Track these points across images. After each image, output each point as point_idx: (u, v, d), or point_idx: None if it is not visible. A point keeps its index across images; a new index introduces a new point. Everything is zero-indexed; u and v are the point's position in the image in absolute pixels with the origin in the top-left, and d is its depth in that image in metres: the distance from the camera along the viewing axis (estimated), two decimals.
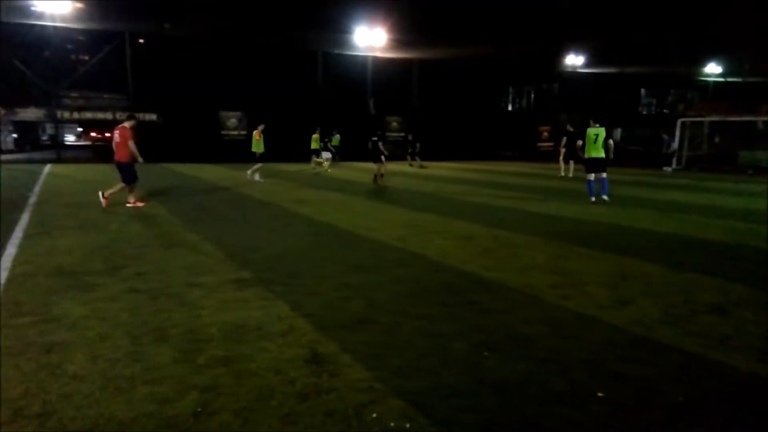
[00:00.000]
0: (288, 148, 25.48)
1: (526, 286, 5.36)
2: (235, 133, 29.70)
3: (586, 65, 36.56)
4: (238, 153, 24.39)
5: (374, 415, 2.88)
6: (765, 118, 24.90)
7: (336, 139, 26.54)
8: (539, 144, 36.57)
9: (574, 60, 35.50)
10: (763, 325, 4.28)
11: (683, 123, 25.14)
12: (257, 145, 17.13)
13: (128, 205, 10.52)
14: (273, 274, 5.74)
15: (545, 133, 37.04)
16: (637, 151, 31.00)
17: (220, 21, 25.19)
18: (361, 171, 22.23)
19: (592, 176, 12.13)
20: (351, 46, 29.97)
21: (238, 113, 29.81)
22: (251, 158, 17.51)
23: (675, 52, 31.92)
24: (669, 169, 23.57)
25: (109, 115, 27.30)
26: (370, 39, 28.77)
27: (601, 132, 11.94)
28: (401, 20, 25.18)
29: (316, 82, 31.45)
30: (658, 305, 4.78)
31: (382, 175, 16.45)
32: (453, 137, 33.20)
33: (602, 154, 11.83)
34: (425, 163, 25.38)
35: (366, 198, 13.00)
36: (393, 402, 3.02)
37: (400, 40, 28.59)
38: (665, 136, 24.56)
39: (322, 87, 31.35)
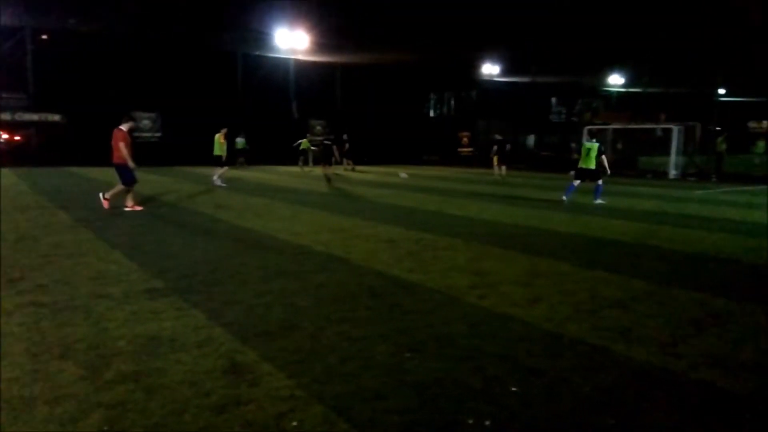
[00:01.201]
0: (207, 151, 24.66)
1: (446, 287, 5.49)
2: (148, 134, 28.28)
3: (502, 74, 38.20)
4: (152, 156, 23.28)
5: (294, 424, 2.83)
6: (662, 126, 27.08)
7: (241, 142, 26.15)
8: (460, 149, 37.75)
9: (491, 69, 36.98)
10: (659, 318, 4.64)
11: (589, 130, 26.83)
12: (220, 148, 16.60)
13: (126, 209, 10.42)
14: (189, 282, 5.51)
15: (465, 139, 38.32)
16: (549, 156, 32.72)
17: (132, 16, 23.87)
18: (284, 174, 21.93)
19: (577, 182, 13.24)
20: (272, 48, 29.46)
21: (152, 114, 28.43)
22: (214, 162, 16.94)
23: (582, 63, 34.10)
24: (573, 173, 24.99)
25: (7, 116, 25.14)
26: (292, 41, 28.41)
27: (594, 147, 12.99)
28: (323, 23, 25.11)
29: (236, 83, 30.67)
30: (568, 302, 5.06)
31: (329, 178, 17.25)
32: (377, 142, 33.53)
33: (593, 166, 12.91)
34: (356, 167, 25.49)
35: (289, 202, 12.82)
36: (314, 408, 2.98)
37: (323, 44, 28.48)
38: (573, 144, 26.07)
39: (242, 89, 30.61)
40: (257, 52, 30.46)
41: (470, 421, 2.90)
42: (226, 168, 16.88)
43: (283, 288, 5.36)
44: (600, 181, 13.09)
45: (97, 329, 4.14)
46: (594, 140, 13.38)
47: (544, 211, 11.71)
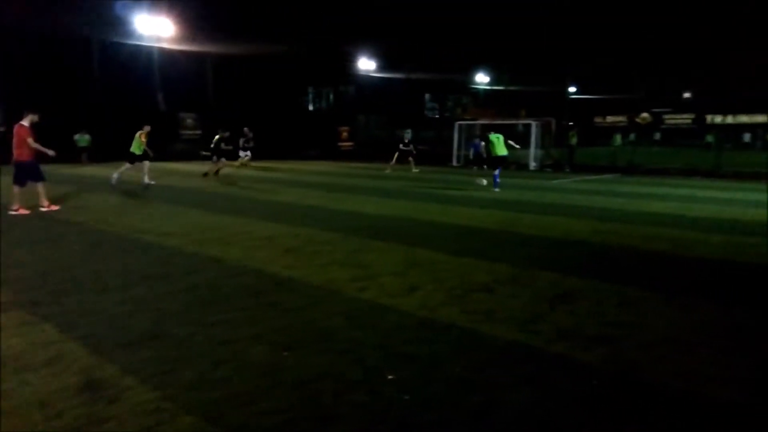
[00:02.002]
0: (62, 147, 22.23)
1: (326, 282, 5.48)
2: None
3: (379, 70, 38.97)
4: None
5: None
6: (523, 122, 29.31)
7: (83, 139, 24.51)
8: (340, 144, 37.88)
9: (368, 64, 37.54)
10: (521, 299, 5.03)
11: (460, 125, 28.39)
12: (138, 146, 15.39)
13: (42, 209, 9.96)
14: (38, 293, 4.93)
15: (345, 134, 38.53)
16: (425, 150, 34.04)
17: None
18: (153, 171, 20.41)
19: (497, 172, 14.77)
20: (133, 35, 27.24)
21: None
22: (132, 160, 15.44)
23: (451, 61, 35.90)
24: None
25: None
26: (155, 28, 26.49)
27: (501, 136, 14.87)
28: (190, 10, 23.72)
29: (92, 72, 27.95)
30: (441, 288, 5.30)
31: (216, 173, 17.46)
32: (255, 136, 32.52)
33: (506, 152, 14.61)
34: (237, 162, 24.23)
35: (158, 201, 11.99)
36: (183, 420, 2.81)
37: (191, 32, 26.91)
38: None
39: (99, 78, 27.96)
40: (116, 39, 27.95)
41: (348, 413, 2.91)
42: (132, 165, 15.57)
43: (148, 293, 4.99)
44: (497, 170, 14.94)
45: None
46: (494, 132, 15.25)
47: (420, 203, 12.15)
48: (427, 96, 50.77)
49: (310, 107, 44.94)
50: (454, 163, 27.52)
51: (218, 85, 33.41)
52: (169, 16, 25.47)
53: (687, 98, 43.35)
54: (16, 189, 9.86)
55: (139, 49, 28.85)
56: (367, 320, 4.38)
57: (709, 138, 36.49)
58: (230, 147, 20.11)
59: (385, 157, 30.78)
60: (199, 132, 31.95)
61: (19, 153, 9.73)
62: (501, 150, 14.82)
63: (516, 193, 14.56)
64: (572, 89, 42.94)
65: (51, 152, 9.98)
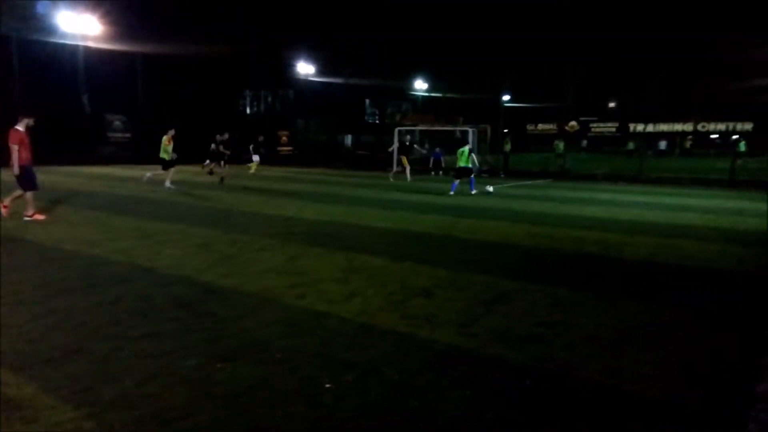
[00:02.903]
0: None
1: (263, 290, 5.35)
2: None
3: (318, 74, 38.74)
4: None
5: None
6: (461, 128, 30.00)
7: None
8: (279, 148, 37.31)
9: (306, 68, 37.26)
10: (458, 302, 5.11)
11: (399, 131, 28.68)
12: (166, 150, 15.84)
13: (26, 218, 9.38)
14: None
15: (284, 138, 37.99)
16: (365, 155, 34.14)
17: None
18: (77, 176, 19.32)
19: (457, 181, 16.05)
20: (56, 33, 25.73)
21: None
22: (165, 166, 15.82)
23: (391, 68, 36.26)
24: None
25: None
26: (80, 26, 25.16)
27: (465, 150, 16.07)
28: (117, 8, 22.70)
29: (12, 71, 26.14)
30: (381, 294, 5.30)
31: (218, 177, 17.98)
32: (189, 139, 31.43)
33: (466, 164, 15.92)
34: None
35: (80, 207, 11.32)
36: None
37: (119, 30, 25.73)
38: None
39: (18, 77, 26.19)
40: (37, 37, 26.28)
41: (282, 425, 2.84)
42: (166, 171, 16.00)
43: (69, 306, 4.68)
44: (473, 176, 16.15)
45: None
46: (466, 145, 16.51)
47: (360, 208, 12.14)
48: (367, 101, 50.96)
49: (247, 110, 44.04)
50: (394, 168, 27.74)
51: (149, 86, 32.08)
52: (95, 14, 24.27)
53: (612, 108, 45.92)
54: (28, 196, 9.53)
55: (63, 47, 27.27)
56: (305, 328, 4.30)
57: (630, 145, 38.82)
58: (228, 150, 19.99)
59: (325, 162, 30.66)
60: (128, 135, 30.55)
61: (21, 158, 9.31)
62: (461, 162, 16.02)
63: (454, 198, 14.84)
64: (506, 98, 44.46)
65: (16, 170, 9.28)
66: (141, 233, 8.37)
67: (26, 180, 9.44)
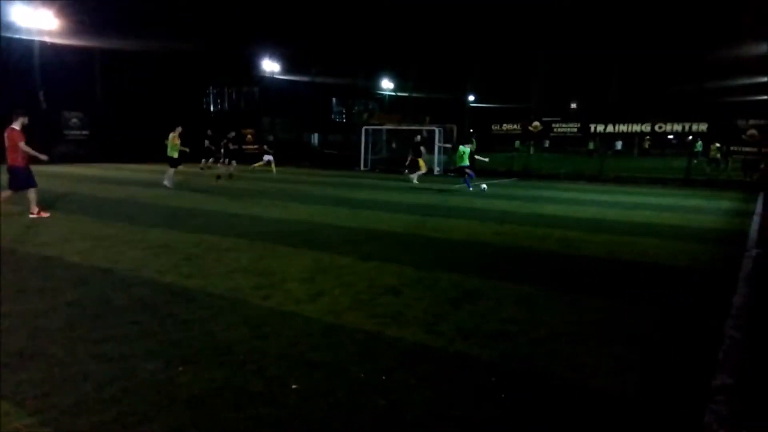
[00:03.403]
0: None
1: (229, 291, 5.26)
2: None
3: (284, 72, 38.36)
4: None
5: None
6: (427, 128, 30.16)
7: None
8: (244, 146, 36.76)
9: (272, 66, 36.83)
10: (425, 300, 5.14)
11: (366, 130, 28.67)
12: (174, 148, 15.85)
13: (31, 215, 9.50)
14: None
15: (249, 136, 37.45)
16: (332, 154, 33.99)
17: None
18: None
19: (469, 178, 17.04)
20: (10, 28, 24.70)
21: None
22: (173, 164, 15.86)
23: (357, 67, 36.23)
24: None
25: None
26: (35, 20, 24.23)
27: (467, 150, 17.24)
28: (74, 3, 21.95)
29: None
30: (348, 293, 5.28)
31: (230, 175, 18.17)
32: (150, 137, 30.64)
33: (467, 163, 17.15)
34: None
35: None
36: None
37: (76, 26, 24.89)
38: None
39: None
40: None
41: (248, 427, 2.80)
42: (174, 170, 15.94)
43: (23, 310, 4.51)
44: (471, 172, 17.16)
45: None
46: (467, 145, 17.57)
47: (327, 207, 12.08)
48: (334, 100, 50.72)
49: (211, 108, 43.25)
50: (362, 167, 27.71)
51: (107, 82, 31.11)
52: (51, 8, 23.41)
53: (573, 109, 46.96)
54: (5, 195, 9.52)
55: (17, 42, 26.18)
56: (271, 329, 4.25)
57: (591, 145, 39.87)
58: (236, 147, 20.25)
59: (293, 160, 30.32)
60: (85, 132, 29.58)
61: (13, 158, 9.31)
62: (462, 161, 17.13)
63: (423, 197, 14.93)
64: (472, 98, 44.95)
65: (44, 156, 9.66)
66: (100, 234, 8.12)
67: (21, 179, 9.45)
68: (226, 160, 19.69)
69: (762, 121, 20.44)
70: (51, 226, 8.80)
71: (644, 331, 4.47)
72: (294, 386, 3.26)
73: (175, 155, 16.01)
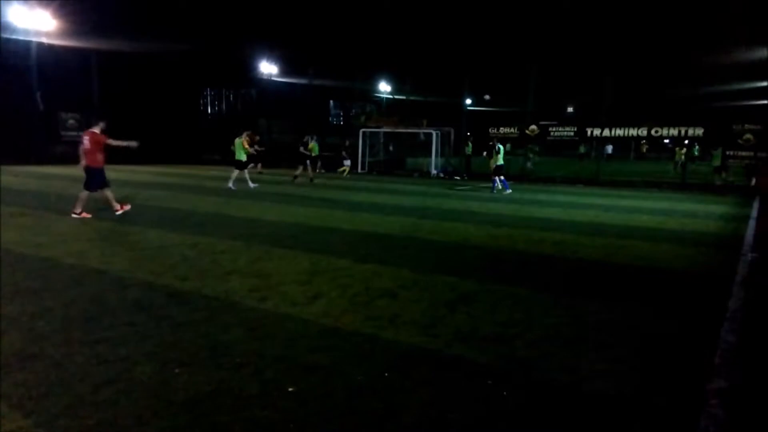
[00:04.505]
0: None
1: (225, 293, 5.25)
2: None
3: (282, 74, 38.35)
4: None
5: None
6: (425, 130, 30.19)
7: None
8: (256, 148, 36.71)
9: (269, 68, 36.83)
10: (422, 303, 5.14)
11: (364, 133, 28.71)
12: (242, 152, 16.43)
13: (117, 213, 10.24)
14: None
15: (257, 137, 37.41)
16: (330, 156, 33.98)
17: None
18: (25, 176, 18.53)
19: (502, 177, 17.75)
20: (7, 29, 24.65)
21: None
22: (235, 165, 16.51)
23: (355, 69, 36.27)
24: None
25: None
26: (32, 21, 24.17)
27: (502, 149, 17.69)
28: (72, 3, 21.92)
29: None
30: (345, 295, 5.28)
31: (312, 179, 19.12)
32: (149, 139, 30.52)
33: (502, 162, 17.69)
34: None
35: (30, 208, 10.87)
36: None
37: (73, 27, 24.85)
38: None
39: None
40: None
41: (245, 430, 2.79)
42: (239, 172, 16.57)
43: (19, 311, 4.49)
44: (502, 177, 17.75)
45: None
46: (500, 145, 17.85)
47: (325, 209, 12.07)
48: (331, 103, 50.72)
49: (209, 109, 43.19)
50: (359, 169, 27.72)
51: (104, 84, 31.04)
52: (48, 9, 23.39)
53: (570, 112, 47.10)
54: (83, 196, 10.04)
55: (14, 43, 26.12)
56: (267, 331, 4.24)
57: (581, 149, 40.06)
58: (308, 151, 21.03)
59: (290, 163, 30.29)
60: (83, 133, 29.52)
61: (91, 159, 9.98)
62: (498, 161, 17.55)
63: (419, 199, 14.94)
64: (468, 101, 45.09)
65: (134, 143, 10.33)
66: (94, 236, 8.10)
67: (98, 180, 10.12)
68: (308, 164, 20.44)
69: (758, 126, 20.54)
70: (47, 227, 8.77)
71: (640, 334, 4.48)
72: (290, 389, 3.26)
73: (243, 158, 16.57)
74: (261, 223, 9.91)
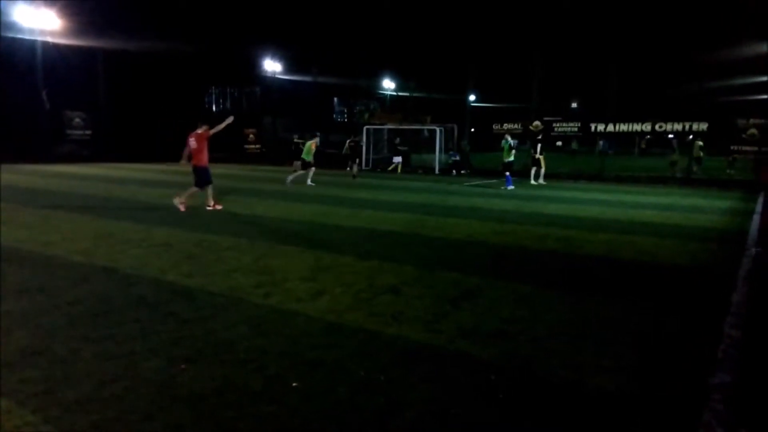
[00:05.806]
0: None
1: (229, 290, 5.29)
2: None
3: (286, 72, 38.40)
4: None
5: None
6: (428, 127, 30.19)
7: None
8: (246, 146, 36.81)
9: (273, 66, 36.88)
10: (425, 299, 5.16)
11: (368, 130, 28.70)
12: (310, 153, 17.52)
13: (208, 208, 11.10)
14: None
15: (251, 136, 37.50)
16: (334, 154, 34.01)
17: None
18: (32, 175, 18.65)
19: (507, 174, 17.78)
20: (12, 27, 24.78)
21: None
22: (304, 165, 17.54)
23: (359, 67, 36.24)
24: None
25: None
26: (37, 20, 24.28)
27: (511, 143, 18.10)
28: (78, 3, 22.01)
29: None
30: (349, 292, 5.30)
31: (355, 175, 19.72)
32: (153, 136, 30.68)
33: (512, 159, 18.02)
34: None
35: (37, 207, 10.94)
36: None
37: (79, 26, 24.95)
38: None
39: None
40: None
41: (250, 426, 2.82)
42: (302, 172, 17.69)
43: (26, 308, 4.54)
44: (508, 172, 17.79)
45: None
46: (511, 141, 18.33)
47: (329, 206, 12.10)
48: (335, 100, 50.76)
49: (213, 108, 43.30)
50: (364, 166, 27.72)
51: (110, 82, 31.18)
52: (54, 8, 23.49)
53: (574, 108, 46.98)
54: (191, 191, 11.14)
55: (20, 42, 26.26)
56: (272, 327, 4.27)
57: (574, 145, 39.98)
58: (349, 152, 22.42)
59: (293, 159, 30.28)
60: (88, 132, 29.66)
61: (198, 158, 10.94)
62: (509, 156, 17.90)
63: (422, 196, 14.94)
64: (472, 97, 44.97)
65: (230, 118, 11.25)
66: (102, 233, 8.15)
67: (205, 177, 11.02)
68: (356, 161, 21.70)
69: (762, 120, 20.40)
70: (53, 225, 8.83)
71: (644, 329, 4.48)
72: (294, 384, 3.28)
73: (309, 159, 17.57)
74: (266, 220, 9.95)
